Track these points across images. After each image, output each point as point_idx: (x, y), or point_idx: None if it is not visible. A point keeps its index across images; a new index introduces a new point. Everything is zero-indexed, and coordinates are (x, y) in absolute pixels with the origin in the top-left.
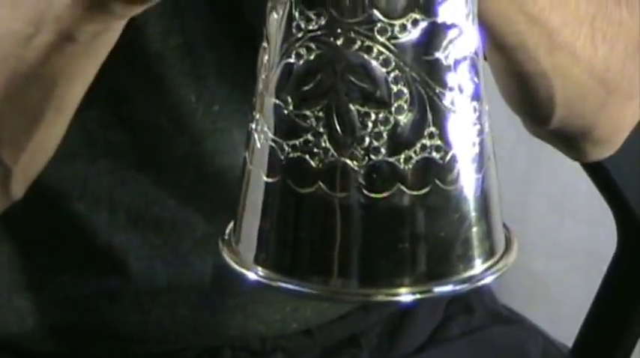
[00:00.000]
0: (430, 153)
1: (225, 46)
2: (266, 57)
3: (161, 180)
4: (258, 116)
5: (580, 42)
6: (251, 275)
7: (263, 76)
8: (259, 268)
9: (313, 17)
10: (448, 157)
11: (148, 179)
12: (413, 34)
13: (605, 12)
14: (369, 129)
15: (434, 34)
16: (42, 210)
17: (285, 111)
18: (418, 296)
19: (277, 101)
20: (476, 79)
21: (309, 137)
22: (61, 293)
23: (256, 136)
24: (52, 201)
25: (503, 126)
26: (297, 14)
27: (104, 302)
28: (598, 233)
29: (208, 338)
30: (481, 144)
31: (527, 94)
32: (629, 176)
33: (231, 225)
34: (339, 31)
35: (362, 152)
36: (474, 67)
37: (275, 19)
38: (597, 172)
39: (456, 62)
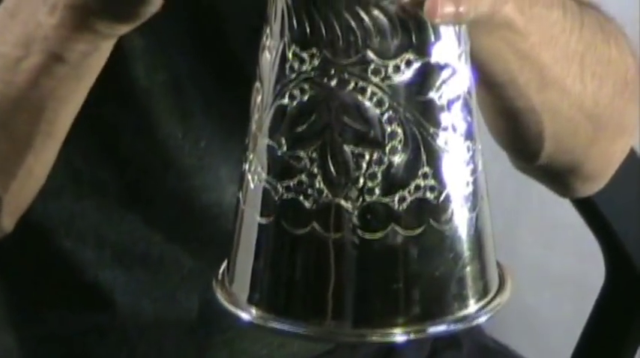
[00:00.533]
0: (424, 193)
1: (210, 82)
2: (259, 98)
3: (148, 216)
4: (251, 157)
5: (569, 78)
6: (245, 316)
7: (256, 117)
8: (253, 308)
9: (307, 58)
10: (442, 197)
11: (134, 215)
12: (406, 75)
13: (594, 50)
14: (363, 170)
15: (427, 75)
16: (28, 246)
17: (279, 153)
18: (412, 336)
19: (271, 142)
20: (469, 118)
21: (303, 178)
22: (48, 328)
23: (250, 177)
24: (39, 237)
25: (490, 156)
26: (290, 55)
27: (91, 338)
28: (586, 264)
29: None
30: (474, 183)
31: (516, 130)
32: (616, 208)
33: (225, 264)
34: (332, 72)
35: (356, 193)
36: (466, 106)
37: (268, 59)
38: (584, 204)
39: (450, 102)
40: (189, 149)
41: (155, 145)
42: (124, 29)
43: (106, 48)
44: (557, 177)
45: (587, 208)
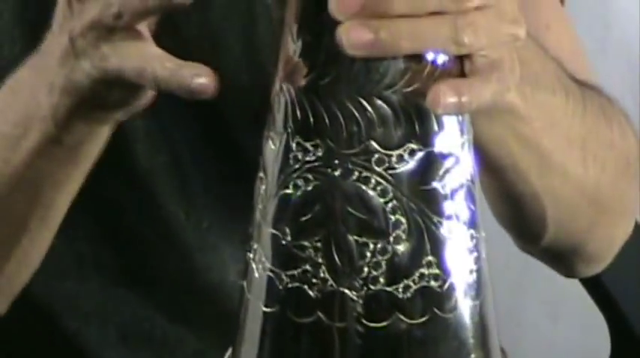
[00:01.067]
0: (428, 281)
1: (212, 164)
2: (263, 187)
3: (151, 296)
4: (255, 246)
5: (571, 163)
6: None
7: (260, 206)
8: None
9: (310, 148)
10: (446, 286)
11: (138, 295)
12: (410, 164)
13: (596, 134)
14: (367, 259)
15: (431, 164)
16: (33, 327)
17: (283, 242)
18: None
19: (275, 232)
20: (472, 206)
21: (308, 267)
22: None
23: (254, 266)
24: (43, 318)
25: (496, 229)
26: (294, 145)
27: None
28: (592, 338)
29: None
30: (478, 271)
31: (518, 214)
32: (621, 285)
33: (229, 352)
34: (336, 162)
35: (360, 282)
36: (470, 194)
37: (271, 149)
38: (589, 279)
39: (453, 191)
40: (192, 229)
41: (158, 226)
42: (118, 116)
43: (102, 132)
44: (561, 259)
45: (592, 285)
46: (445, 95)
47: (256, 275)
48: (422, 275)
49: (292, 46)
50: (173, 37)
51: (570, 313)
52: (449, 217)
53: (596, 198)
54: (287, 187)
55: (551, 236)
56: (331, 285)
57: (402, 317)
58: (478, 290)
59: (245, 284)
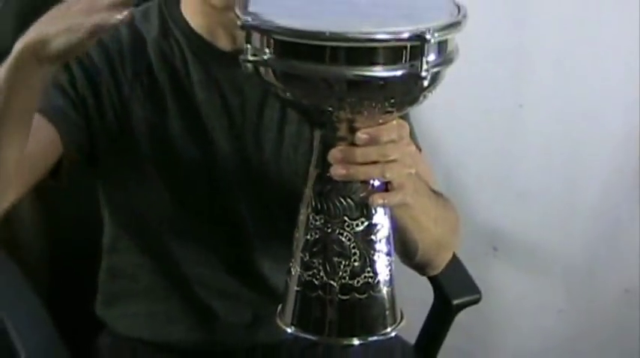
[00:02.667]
0: (367, 279)
1: (267, 222)
2: (296, 235)
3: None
4: (292, 260)
5: (432, 225)
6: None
7: (295, 244)
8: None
9: (318, 218)
10: (376, 280)
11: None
12: (361, 227)
13: (442, 213)
14: (342, 268)
15: (371, 227)
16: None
17: (305, 259)
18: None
19: (301, 254)
20: (389, 245)
21: (315, 271)
22: None
23: (292, 267)
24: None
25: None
26: (311, 217)
27: None
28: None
29: None
30: (390, 272)
31: (405, 246)
32: (444, 274)
33: (279, 307)
34: (328, 225)
35: (338, 278)
36: (388, 239)
37: (302, 218)
38: (433, 277)
39: (381, 238)
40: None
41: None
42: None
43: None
44: (422, 268)
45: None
46: (379, 198)
47: (292, 272)
48: (365, 276)
49: (313, 172)
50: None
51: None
52: (380, 250)
53: (439, 241)
54: (307, 235)
55: (419, 257)
56: (325, 279)
57: (356, 294)
58: (390, 283)
59: (288, 275)
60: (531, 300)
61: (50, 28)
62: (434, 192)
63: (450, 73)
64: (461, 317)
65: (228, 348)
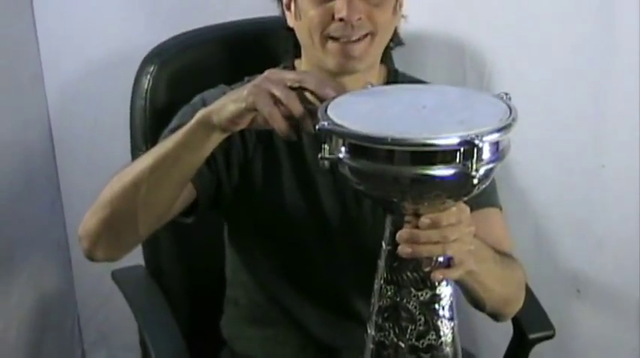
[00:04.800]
0: (431, 341)
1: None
2: (372, 301)
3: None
4: (368, 323)
5: (497, 285)
6: None
7: (370, 309)
8: None
9: (390, 288)
10: (439, 342)
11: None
12: (426, 297)
13: (508, 274)
14: (409, 331)
15: (435, 296)
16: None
17: (379, 322)
18: None
19: (375, 318)
20: (452, 310)
21: (387, 333)
22: None
23: (369, 328)
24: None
25: None
26: (383, 286)
27: None
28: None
29: None
30: (453, 335)
31: (475, 302)
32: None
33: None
34: (398, 294)
35: (405, 340)
36: (451, 306)
37: (376, 287)
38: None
39: (444, 305)
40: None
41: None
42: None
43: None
44: (493, 317)
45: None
46: (441, 274)
47: (368, 332)
48: (429, 338)
49: (385, 248)
50: None
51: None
52: (442, 316)
53: (506, 298)
54: (380, 302)
55: (488, 309)
56: (395, 340)
57: (421, 354)
58: (452, 344)
59: (366, 334)
60: (609, 339)
61: (224, 101)
62: (500, 253)
63: (538, 132)
64: (545, 351)
65: None
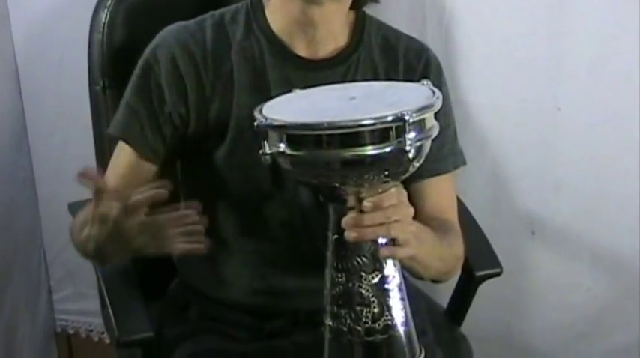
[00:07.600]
0: (387, 322)
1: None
2: (325, 292)
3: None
4: (326, 309)
5: (435, 263)
6: None
7: (325, 300)
8: None
9: (341, 275)
10: (393, 322)
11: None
12: (376, 280)
13: (447, 251)
14: (364, 314)
15: (385, 278)
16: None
17: (334, 310)
18: None
19: (330, 307)
20: (403, 290)
21: (342, 319)
22: None
23: (327, 307)
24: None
25: None
26: (334, 275)
27: None
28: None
29: None
30: (405, 316)
31: (417, 277)
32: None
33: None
34: (351, 280)
35: (361, 323)
36: (400, 286)
37: (328, 275)
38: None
39: (394, 286)
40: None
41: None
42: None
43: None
44: (432, 281)
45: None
46: (388, 253)
47: (325, 323)
48: (384, 319)
49: (331, 238)
50: None
51: None
52: (393, 296)
53: (444, 270)
54: (332, 290)
55: (426, 279)
56: (351, 325)
57: (378, 335)
58: (406, 323)
59: (323, 326)
60: (562, 279)
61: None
62: (441, 227)
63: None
64: (500, 290)
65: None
